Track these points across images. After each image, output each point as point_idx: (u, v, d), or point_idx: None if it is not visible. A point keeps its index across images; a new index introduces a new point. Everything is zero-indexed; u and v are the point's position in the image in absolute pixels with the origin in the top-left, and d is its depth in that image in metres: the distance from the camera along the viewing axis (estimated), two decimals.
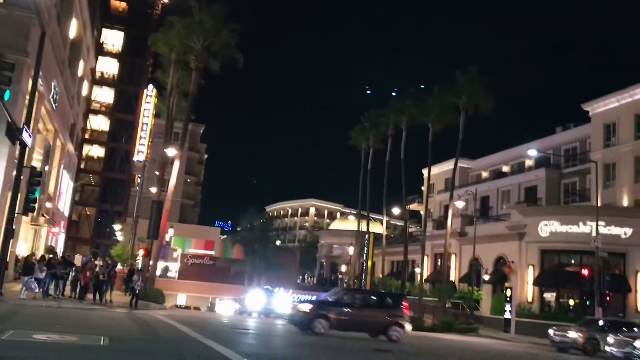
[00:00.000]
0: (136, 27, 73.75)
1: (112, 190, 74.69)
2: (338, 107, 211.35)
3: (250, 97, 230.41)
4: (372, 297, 23.01)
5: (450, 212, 43.04)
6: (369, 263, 39.57)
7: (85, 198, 74.19)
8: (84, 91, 49.96)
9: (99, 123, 76.46)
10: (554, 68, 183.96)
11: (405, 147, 48.58)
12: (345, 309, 20.28)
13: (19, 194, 20.57)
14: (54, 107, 30.62)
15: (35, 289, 23.01)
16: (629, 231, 36.55)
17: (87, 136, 72.75)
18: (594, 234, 32.23)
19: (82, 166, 69.55)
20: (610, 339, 22.26)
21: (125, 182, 74.17)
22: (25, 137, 19.91)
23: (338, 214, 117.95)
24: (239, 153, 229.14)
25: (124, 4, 79.26)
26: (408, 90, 47.40)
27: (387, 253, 55.31)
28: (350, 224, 76.57)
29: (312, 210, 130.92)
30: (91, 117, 74.15)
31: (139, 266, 32.89)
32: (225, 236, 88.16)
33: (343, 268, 72.20)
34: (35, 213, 27.28)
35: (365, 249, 40.40)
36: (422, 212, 61.49)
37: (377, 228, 59.71)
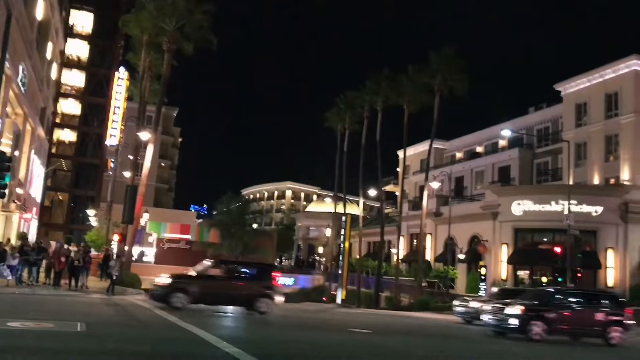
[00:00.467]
0: (106, 8, 71.98)
1: (85, 175, 73.50)
2: (314, 88, 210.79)
3: (225, 79, 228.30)
4: (240, 268, 22.00)
5: (425, 193, 43.43)
6: (346, 244, 39.69)
7: (57, 183, 72.90)
8: (54, 74, 48.87)
9: (70, 107, 74.90)
10: (527, 49, 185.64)
11: (381, 128, 48.70)
12: (208, 282, 19.45)
13: None
14: (23, 91, 29.91)
15: (8, 276, 22.65)
16: (599, 209, 37.34)
17: (57, 120, 71.27)
18: (565, 212, 32.85)
19: (53, 151, 68.25)
20: (487, 306, 22.01)
21: (98, 167, 73.04)
22: None
23: (315, 197, 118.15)
24: (214, 136, 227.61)
25: None
26: (383, 71, 47.28)
27: (364, 234, 55.62)
28: (327, 206, 76.74)
29: (288, 193, 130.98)
30: (61, 100, 72.57)
31: (115, 251, 32.56)
32: (201, 220, 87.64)
33: (320, 250, 72.50)
34: (5, 199, 26.72)
35: (342, 230, 40.52)
36: (397, 193, 61.91)
37: (354, 210, 59.95)
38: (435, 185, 47.63)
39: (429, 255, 48.35)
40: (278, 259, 79.54)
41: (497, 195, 42.10)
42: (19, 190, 34.33)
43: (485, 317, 20.97)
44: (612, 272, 36.96)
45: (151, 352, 10.03)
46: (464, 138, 62.80)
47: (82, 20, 75.26)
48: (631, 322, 19.88)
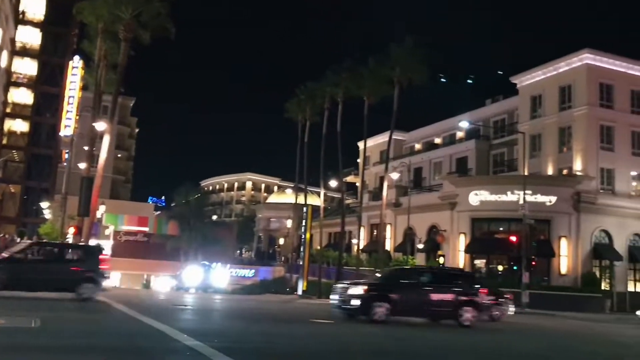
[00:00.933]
0: None
1: (38, 167, 71.35)
2: (274, 79, 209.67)
3: (184, 68, 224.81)
4: (56, 250, 20.51)
5: (385, 184, 43.87)
6: (307, 235, 39.78)
7: (9, 175, 70.55)
8: (4, 62, 47.27)
9: (22, 96, 72.42)
10: (484, 41, 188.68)
11: (342, 120, 48.88)
12: (20, 266, 18.23)
13: None
14: None
15: None
16: (553, 199, 38.42)
17: (8, 110, 68.96)
18: (521, 202, 33.70)
19: (4, 142, 66.08)
20: (337, 286, 20.27)
21: (52, 158, 70.99)
22: None
23: (275, 188, 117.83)
24: (171, 127, 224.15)
25: None
26: (344, 63, 47.42)
27: (325, 225, 55.87)
28: (287, 197, 76.67)
29: (248, 184, 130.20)
30: (12, 90, 70.14)
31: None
32: (159, 212, 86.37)
33: (281, 241, 72.43)
34: None
35: (304, 221, 40.58)
36: (358, 184, 62.33)
37: (315, 201, 60.08)
38: (394, 176, 48.14)
39: (388, 245, 48.90)
40: (238, 251, 79.22)
41: (455, 186, 42.85)
42: None
43: (333, 298, 19.09)
44: (565, 260, 38.15)
45: (109, 347, 9.83)
46: (423, 129, 63.59)
47: (34, 6, 72.71)
48: (486, 302, 19.14)
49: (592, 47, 42.83)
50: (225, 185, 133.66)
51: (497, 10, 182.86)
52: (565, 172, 42.84)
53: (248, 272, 53.27)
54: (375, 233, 51.28)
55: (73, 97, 52.78)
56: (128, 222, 61.68)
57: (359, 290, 17.13)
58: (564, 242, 38.35)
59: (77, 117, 52.91)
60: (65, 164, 53.66)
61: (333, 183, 59.87)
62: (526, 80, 47.32)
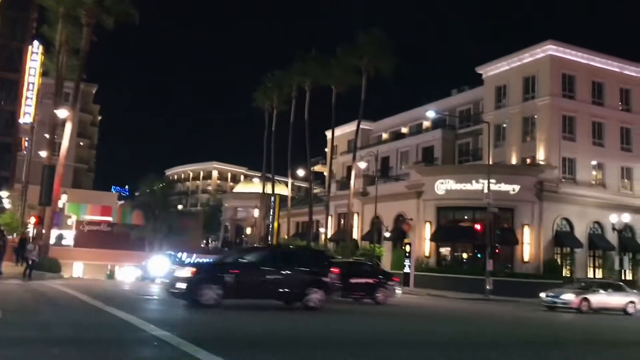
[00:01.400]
0: None
1: None
2: (241, 67, 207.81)
3: (149, 56, 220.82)
4: None
5: (353, 173, 44.05)
6: (275, 225, 39.81)
7: None
8: None
9: None
10: (451, 31, 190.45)
11: (309, 109, 48.79)
12: None
13: None
14: None
15: None
16: (516, 188, 39.14)
17: None
18: (485, 191, 34.21)
19: None
20: (171, 269, 19.10)
21: (11, 146, 68.93)
22: None
23: (242, 177, 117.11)
24: (135, 115, 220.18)
25: None
26: (311, 52, 47.27)
27: (292, 214, 55.85)
28: (254, 186, 76.34)
29: (214, 174, 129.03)
30: None
31: (32, 235, 31.04)
32: (123, 202, 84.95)
33: (248, 231, 72.16)
34: None
35: (271, 211, 40.61)
36: (325, 174, 62.41)
37: (282, 190, 59.96)
38: (362, 165, 48.36)
39: (356, 234, 49.17)
40: (204, 241, 78.61)
41: (421, 175, 43.26)
42: None
43: (164, 281, 17.50)
44: (527, 248, 38.96)
45: (76, 338, 9.60)
46: (390, 119, 63.90)
47: None
48: (337, 282, 17.59)
49: (556, 38, 43.63)
50: (191, 175, 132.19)
51: (464, 1, 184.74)
52: (528, 161, 43.66)
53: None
54: (342, 222, 51.50)
55: (33, 83, 51.46)
56: (91, 212, 60.57)
57: (186, 272, 15.71)
58: (526, 230, 39.15)
59: (37, 104, 51.57)
60: (25, 152, 52.34)
61: (301, 172, 59.77)
62: (491, 70, 47.94)
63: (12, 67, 66.99)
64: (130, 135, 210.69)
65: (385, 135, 64.38)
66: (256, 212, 60.29)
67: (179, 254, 39.24)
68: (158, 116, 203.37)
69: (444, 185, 41.06)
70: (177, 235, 50.05)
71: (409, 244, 39.92)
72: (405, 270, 37.48)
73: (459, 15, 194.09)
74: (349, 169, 48.81)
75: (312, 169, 56.69)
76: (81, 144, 71.34)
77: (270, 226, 41.39)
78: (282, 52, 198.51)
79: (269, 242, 47.28)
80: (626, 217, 38.77)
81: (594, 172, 44.04)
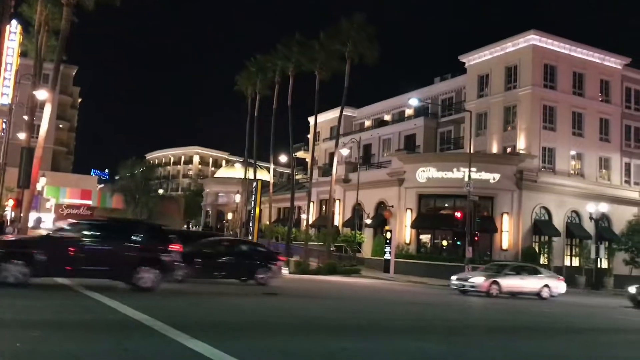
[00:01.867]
0: None
1: None
2: (224, 50, 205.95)
3: (130, 38, 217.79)
4: None
5: (335, 160, 44.06)
6: (257, 210, 39.74)
7: None
8: None
9: None
10: (435, 19, 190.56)
11: (292, 94, 48.57)
12: None
13: None
14: None
15: None
16: (497, 176, 39.53)
17: None
18: (466, 179, 34.50)
19: None
20: None
21: None
22: None
23: (224, 162, 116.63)
24: (116, 98, 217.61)
25: None
26: (295, 36, 46.92)
27: (274, 200, 55.81)
28: (236, 171, 76.10)
29: (196, 158, 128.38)
30: None
31: (10, 217, 30.67)
32: (102, 185, 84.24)
33: (229, 216, 72.04)
34: None
35: (253, 196, 40.51)
36: (308, 160, 62.39)
37: (264, 175, 59.84)
38: (344, 152, 48.43)
39: (337, 221, 49.36)
40: (185, 226, 78.34)
41: (403, 163, 43.47)
42: None
43: None
44: (507, 236, 39.45)
45: (57, 320, 9.55)
46: (373, 106, 64.01)
47: None
48: (177, 261, 15.71)
49: (538, 28, 43.93)
50: (172, 159, 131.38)
51: None
52: (509, 150, 44.09)
53: None
54: (324, 208, 51.61)
55: (11, 64, 50.45)
56: (70, 195, 60.04)
57: None
58: (506, 218, 39.62)
59: (16, 85, 50.73)
60: (2, 134, 51.50)
61: (283, 158, 59.72)
62: (474, 59, 48.17)
63: None
64: (110, 119, 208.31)
65: (367, 123, 64.50)
66: (238, 198, 60.18)
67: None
68: (139, 100, 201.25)
69: (425, 173, 41.31)
70: (158, 220, 49.88)
71: (390, 231, 40.17)
72: (385, 257, 37.72)
73: (445, 3, 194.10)
74: (332, 155, 48.84)
75: (294, 155, 56.60)
76: (61, 126, 70.39)
77: (252, 212, 41.32)
78: (267, 35, 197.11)
79: (251, 228, 47.27)
80: (603, 207, 39.38)
81: (572, 162, 44.65)
